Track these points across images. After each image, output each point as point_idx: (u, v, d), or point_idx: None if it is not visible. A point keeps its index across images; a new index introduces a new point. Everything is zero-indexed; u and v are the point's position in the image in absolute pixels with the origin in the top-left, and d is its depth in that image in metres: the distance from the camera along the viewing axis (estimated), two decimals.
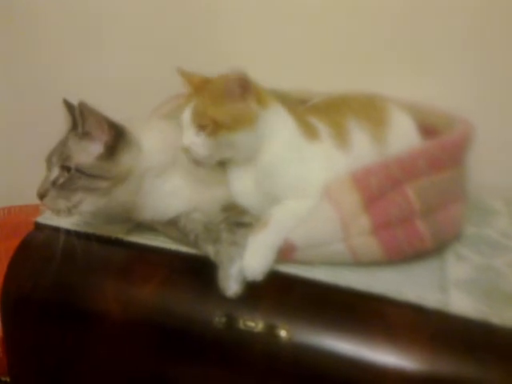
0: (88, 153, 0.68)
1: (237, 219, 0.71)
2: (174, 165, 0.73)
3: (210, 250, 0.68)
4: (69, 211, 0.68)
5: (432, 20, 1.01)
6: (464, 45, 1.01)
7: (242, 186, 0.75)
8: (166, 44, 1.16)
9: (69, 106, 0.74)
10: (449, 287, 0.68)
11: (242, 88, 0.69)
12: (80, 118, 0.67)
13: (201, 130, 0.69)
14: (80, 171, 0.67)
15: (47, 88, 1.31)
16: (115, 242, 0.76)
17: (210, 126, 0.69)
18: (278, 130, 0.74)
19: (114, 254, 0.75)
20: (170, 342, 0.69)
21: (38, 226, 0.79)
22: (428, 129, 0.86)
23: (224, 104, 0.70)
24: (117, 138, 0.68)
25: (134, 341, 0.70)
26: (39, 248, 0.72)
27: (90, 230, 0.77)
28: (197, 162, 0.71)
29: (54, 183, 0.68)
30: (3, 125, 1.42)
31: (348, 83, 0.90)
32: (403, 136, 0.82)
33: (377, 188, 0.70)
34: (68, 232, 0.74)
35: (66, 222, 0.75)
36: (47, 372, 0.77)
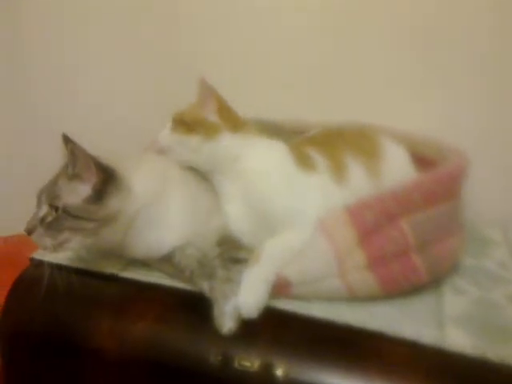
0: (76, 194, 0.68)
1: (232, 254, 0.71)
2: (167, 200, 0.73)
3: (204, 287, 0.68)
4: (54, 249, 0.68)
5: (427, 48, 1.03)
6: (460, 71, 1.02)
7: (235, 211, 0.76)
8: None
9: (67, 141, 0.74)
10: (445, 323, 0.68)
11: (203, 94, 0.76)
12: (70, 158, 0.67)
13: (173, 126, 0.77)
14: (66, 212, 0.67)
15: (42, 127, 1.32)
16: (110, 278, 0.76)
17: (177, 120, 0.75)
18: (260, 156, 0.77)
19: (109, 290, 0.75)
20: (165, 378, 0.68)
21: (34, 262, 0.79)
22: (421, 159, 0.87)
23: (195, 106, 0.77)
24: (106, 182, 0.68)
25: (129, 377, 0.70)
26: (35, 284, 0.72)
27: (84, 266, 0.76)
28: (160, 152, 0.77)
29: (41, 221, 0.68)
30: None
31: (339, 112, 0.92)
32: (398, 168, 0.83)
33: (372, 222, 0.70)
34: (63, 268, 0.74)
35: (61, 258, 0.75)
36: None
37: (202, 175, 0.78)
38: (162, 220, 0.73)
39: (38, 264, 0.77)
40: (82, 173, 0.68)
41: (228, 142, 0.76)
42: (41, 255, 0.78)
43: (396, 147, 0.86)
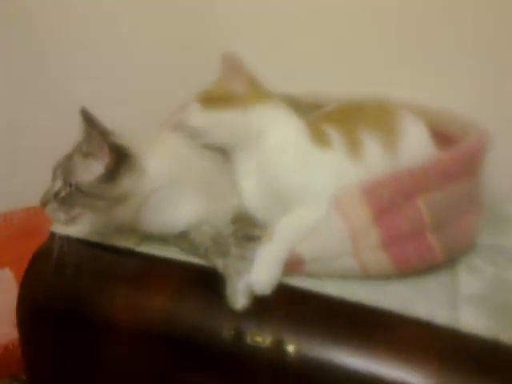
0: (90, 172, 0.69)
1: (246, 232, 0.71)
2: (183, 179, 0.73)
3: (218, 264, 0.69)
4: (67, 223, 0.70)
5: (438, 19, 1.00)
6: (471, 44, 0.99)
7: (250, 187, 0.76)
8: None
9: (85, 116, 0.74)
10: (460, 303, 0.67)
11: (230, 68, 0.75)
12: (85, 136, 0.67)
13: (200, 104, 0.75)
14: (79, 189, 0.68)
15: (53, 90, 1.32)
16: (126, 252, 0.76)
17: (204, 99, 0.74)
18: (280, 131, 0.76)
19: (125, 265, 0.76)
20: (179, 352, 0.69)
21: (52, 236, 0.80)
22: (442, 134, 0.85)
23: (220, 82, 0.76)
24: (119, 162, 0.68)
25: (143, 350, 0.71)
26: (53, 258, 0.73)
27: (101, 240, 0.77)
28: (191, 137, 0.75)
29: (55, 195, 0.69)
30: (5, 126, 1.44)
31: (352, 85, 0.90)
32: (416, 145, 0.81)
33: (387, 201, 0.69)
34: (80, 242, 0.76)
35: (79, 232, 0.76)
36: (61, 378, 0.79)
37: (218, 153, 0.77)
38: (176, 199, 0.73)
39: (57, 238, 0.78)
40: (95, 152, 0.68)
41: (258, 113, 0.75)
42: (59, 229, 0.80)
43: (415, 123, 0.84)
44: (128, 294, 0.73)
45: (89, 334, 0.73)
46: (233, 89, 0.75)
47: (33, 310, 0.77)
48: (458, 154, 0.74)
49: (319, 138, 0.76)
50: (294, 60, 1.11)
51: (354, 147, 0.76)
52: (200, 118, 0.75)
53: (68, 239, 0.74)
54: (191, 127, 0.76)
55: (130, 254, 0.76)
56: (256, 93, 0.77)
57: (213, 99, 0.75)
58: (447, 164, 0.73)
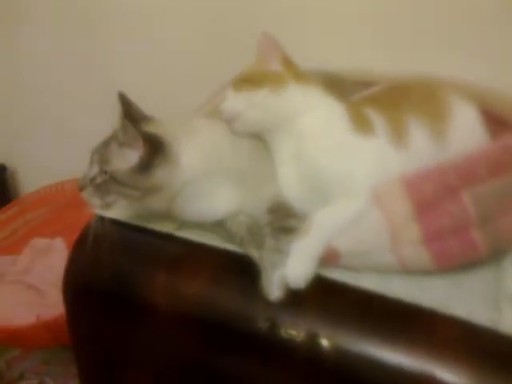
0: (125, 161, 0.69)
1: (282, 223, 0.71)
2: (218, 170, 0.72)
3: (254, 254, 0.69)
4: (102, 208, 0.71)
5: None
6: None
7: (288, 175, 0.74)
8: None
9: (123, 100, 0.74)
10: (502, 302, 0.65)
11: (265, 48, 0.74)
12: (121, 125, 0.68)
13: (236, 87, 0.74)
14: (113, 178, 0.69)
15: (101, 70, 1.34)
16: (166, 237, 0.78)
17: (238, 82, 0.73)
18: (319, 115, 0.73)
19: (164, 249, 0.77)
20: (214, 338, 0.71)
21: (96, 217, 0.82)
22: (496, 118, 0.81)
23: (254, 64, 0.75)
24: (153, 153, 0.68)
25: (180, 333, 0.73)
26: (96, 239, 0.75)
27: (142, 224, 0.79)
28: (228, 123, 0.74)
29: (91, 180, 0.70)
30: (59, 100, 1.48)
31: (400, 62, 0.86)
32: (467, 132, 0.77)
33: (430, 195, 0.67)
34: (123, 224, 0.77)
35: (123, 214, 0.78)
36: (103, 354, 0.82)
37: (256, 140, 0.76)
38: (211, 190, 0.72)
39: (100, 220, 0.80)
40: (130, 141, 0.68)
41: (293, 93, 0.73)
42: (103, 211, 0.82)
43: (467, 108, 0.79)
44: (167, 277, 0.74)
45: (128, 315, 0.76)
46: (267, 68, 0.74)
47: (77, 289, 0.80)
48: (508, 144, 0.70)
49: (361, 124, 0.73)
50: (342, 34, 1.08)
51: (398, 135, 0.73)
52: (233, 100, 0.74)
53: (110, 221, 0.75)
54: (225, 112, 0.75)
55: (170, 238, 0.77)
56: (292, 73, 0.74)
57: (246, 81, 0.74)
58: (497, 156, 0.70)
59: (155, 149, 0.68)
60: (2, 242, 1.48)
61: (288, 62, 0.75)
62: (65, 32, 1.43)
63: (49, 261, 1.41)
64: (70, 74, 1.49)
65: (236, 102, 0.74)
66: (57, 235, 1.48)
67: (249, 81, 0.74)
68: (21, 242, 1.48)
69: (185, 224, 0.78)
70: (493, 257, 0.70)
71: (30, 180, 1.79)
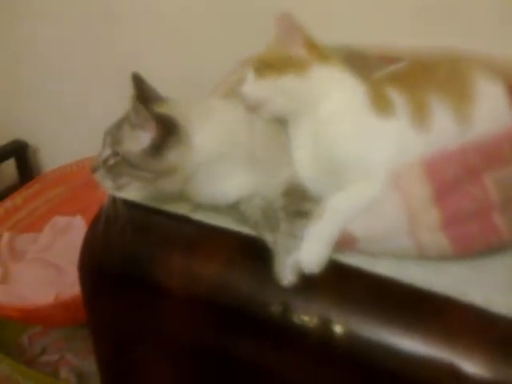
0: (137, 143, 0.68)
1: (297, 206, 0.69)
2: (232, 152, 0.71)
3: (268, 238, 0.68)
4: (115, 190, 0.71)
5: None
6: None
7: (304, 158, 0.73)
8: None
9: (137, 80, 0.73)
10: None
11: (286, 30, 0.70)
12: (133, 107, 0.67)
13: (256, 73, 0.71)
14: (125, 160, 0.68)
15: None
16: (182, 219, 0.77)
17: (260, 67, 0.70)
18: (338, 97, 0.71)
19: (180, 231, 0.77)
20: (228, 320, 0.71)
21: (111, 198, 0.82)
22: None
23: (275, 47, 0.72)
24: (165, 134, 0.67)
25: (195, 315, 0.73)
26: (108, 221, 0.75)
27: (157, 205, 0.78)
28: (251, 109, 0.72)
29: (104, 162, 0.70)
30: (80, 78, 1.48)
31: (427, 36, 0.82)
32: (492, 112, 0.73)
33: (451, 179, 0.65)
34: (138, 205, 0.77)
35: (136, 196, 0.78)
36: (119, 335, 0.83)
37: (273, 121, 0.74)
38: (225, 173, 0.71)
39: (115, 201, 0.80)
40: (143, 123, 0.67)
41: (318, 76, 0.71)
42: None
43: (493, 86, 0.75)
44: (182, 260, 0.74)
45: (142, 297, 0.76)
46: (289, 52, 0.71)
47: (90, 271, 0.80)
48: None
49: (381, 105, 0.70)
50: (363, 9, 1.04)
51: (420, 115, 0.70)
52: (256, 88, 0.72)
53: (125, 203, 0.75)
54: (248, 99, 0.72)
55: (185, 220, 0.77)
56: (314, 54, 0.71)
57: (268, 66, 0.71)
58: None
59: (168, 131, 0.67)
60: (23, 219, 1.50)
61: (310, 43, 0.72)
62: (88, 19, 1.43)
63: (68, 238, 1.42)
64: (91, 54, 1.49)
65: (260, 90, 0.72)
66: (77, 213, 1.49)
67: (271, 66, 0.71)
68: (42, 219, 1.50)
69: (200, 206, 0.77)
70: None
71: (51, 158, 1.81)
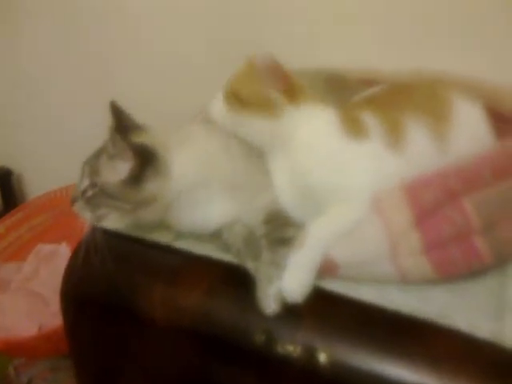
0: (116, 173, 0.68)
1: (279, 234, 0.69)
2: (211, 180, 0.71)
3: (250, 266, 0.67)
4: (94, 222, 0.70)
5: None
6: None
7: (282, 185, 0.72)
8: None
9: (114, 109, 0.73)
10: (506, 313, 0.63)
11: (266, 71, 0.68)
12: (110, 137, 0.66)
13: (227, 103, 0.70)
14: (103, 191, 0.67)
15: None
16: (163, 248, 0.76)
17: (231, 98, 0.69)
18: (309, 128, 0.70)
19: (161, 260, 0.76)
20: (211, 349, 0.70)
21: (93, 228, 0.81)
22: (503, 116, 0.78)
23: (249, 81, 0.70)
24: (143, 165, 0.67)
25: (177, 344, 0.72)
26: (88, 251, 0.74)
27: (139, 235, 0.77)
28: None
29: (82, 193, 0.69)
30: (65, 104, 1.47)
31: (407, 59, 0.83)
32: (470, 133, 0.74)
33: (432, 203, 0.65)
34: (119, 235, 0.76)
35: (117, 226, 0.77)
36: (101, 365, 0.82)
37: (252, 148, 0.74)
38: (205, 201, 0.71)
39: (96, 231, 0.79)
40: (120, 153, 0.67)
41: (290, 118, 0.70)
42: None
43: (471, 107, 0.76)
44: (164, 290, 0.73)
45: (125, 327, 0.75)
46: (265, 94, 0.69)
47: (72, 300, 0.79)
48: None
49: (353, 128, 0.70)
50: (342, 33, 1.06)
51: (395, 135, 0.69)
52: (225, 118, 0.72)
53: (106, 232, 0.74)
54: (214, 120, 0.73)
55: (167, 249, 0.76)
56: (290, 97, 0.70)
57: (239, 101, 0.70)
58: (500, 159, 0.67)
59: (145, 160, 0.67)
60: (7, 248, 1.48)
61: (288, 86, 0.70)
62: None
63: (53, 266, 1.40)
64: (76, 81, 1.49)
65: (228, 121, 0.72)
66: (62, 240, 1.48)
67: (242, 101, 0.70)
68: (26, 248, 1.48)
69: (181, 234, 0.76)
70: (497, 265, 0.68)
71: (35, 185, 1.79)
